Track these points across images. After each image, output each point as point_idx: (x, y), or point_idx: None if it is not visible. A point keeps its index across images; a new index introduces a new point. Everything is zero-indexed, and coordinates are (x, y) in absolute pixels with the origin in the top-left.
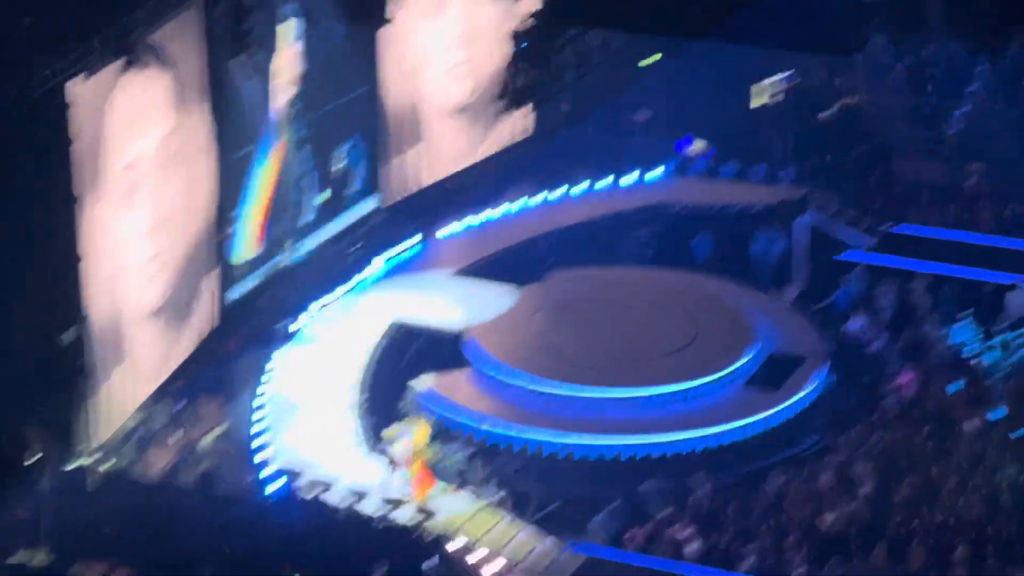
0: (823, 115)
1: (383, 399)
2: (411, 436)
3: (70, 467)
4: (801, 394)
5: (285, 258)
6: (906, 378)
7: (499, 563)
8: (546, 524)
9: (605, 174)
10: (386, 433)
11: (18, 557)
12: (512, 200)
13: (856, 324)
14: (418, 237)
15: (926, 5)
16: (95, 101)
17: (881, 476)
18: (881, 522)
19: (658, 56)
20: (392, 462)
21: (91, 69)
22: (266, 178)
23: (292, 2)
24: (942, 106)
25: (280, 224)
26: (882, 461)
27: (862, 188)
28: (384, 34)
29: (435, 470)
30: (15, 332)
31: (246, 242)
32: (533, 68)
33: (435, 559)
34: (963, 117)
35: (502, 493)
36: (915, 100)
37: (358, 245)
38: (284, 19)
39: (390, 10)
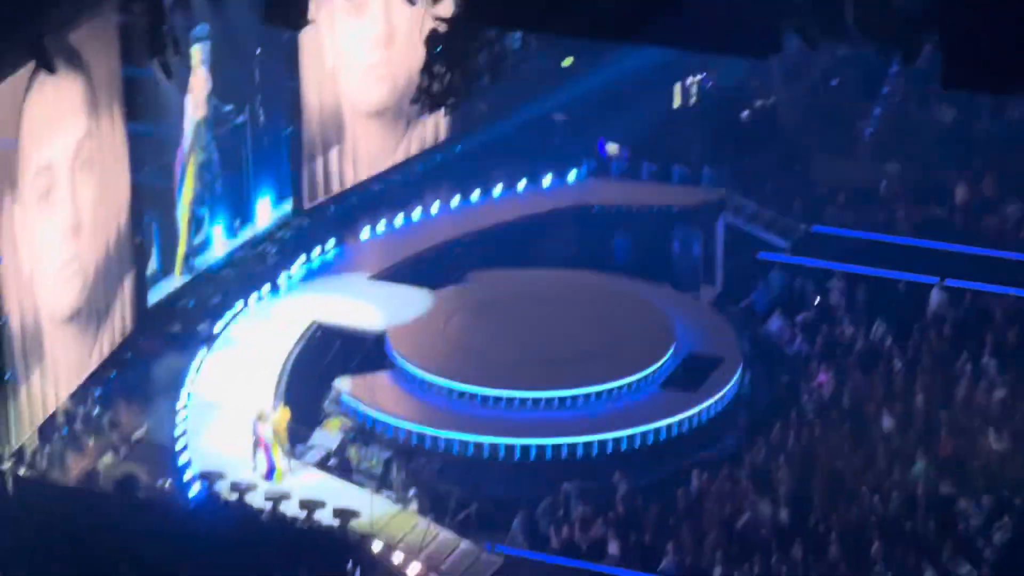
0: (741, 116)
1: (304, 401)
2: (273, 418)
3: None
4: (719, 395)
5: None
6: (823, 377)
7: (419, 565)
8: (466, 525)
9: (523, 175)
10: (259, 411)
11: None
12: (431, 202)
13: (774, 324)
14: (337, 239)
15: (840, 7)
16: (9, 103)
17: (799, 475)
18: (799, 521)
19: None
20: (257, 441)
21: (4, 71)
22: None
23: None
24: (857, 107)
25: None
26: (800, 460)
27: (779, 189)
28: (305, 35)
29: (355, 471)
30: None
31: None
32: (451, 70)
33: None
34: (878, 118)
35: (422, 494)
36: (830, 101)
37: (277, 247)
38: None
39: (312, 11)
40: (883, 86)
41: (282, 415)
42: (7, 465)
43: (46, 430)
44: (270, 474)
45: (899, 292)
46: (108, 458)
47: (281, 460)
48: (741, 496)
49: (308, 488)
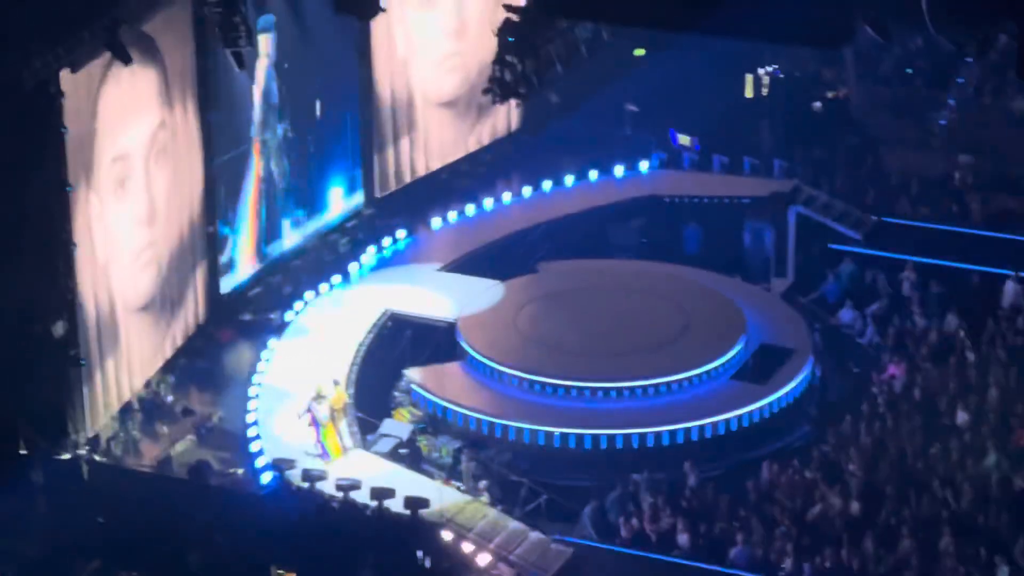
0: (813, 107)
1: (374, 390)
2: (331, 398)
3: (63, 457)
4: (790, 386)
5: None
6: (895, 370)
7: (489, 554)
8: (535, 515)
9: (595, 166)
10: (317, 390)
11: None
12: (502, 192)
13: (846, 316)
14: (408, 229)
15: None
16: (86, 92)
17: (870, 468)
18: (870, 513)
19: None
20: (315, 420)
21: (81, 61)
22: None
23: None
24: (931, 98)
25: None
26: (871, 453)
27: (851, 180)
28: (377, 25)
29: (423, 458)
30: (7, 321)
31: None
32: (523, 60)
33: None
34: (952, 109)
35: (491, 484)
36: (904, 92)
37: (348, 237)
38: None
39: (385, 0)
40: (957, 76)
41: (339, 395)
42: (82, 451)
43: (120, 417)
44: (325, 454)
45: (972, 284)
46: (181, 445)
47: (333, 440)
48: (811, 488)
49: (378, 477)
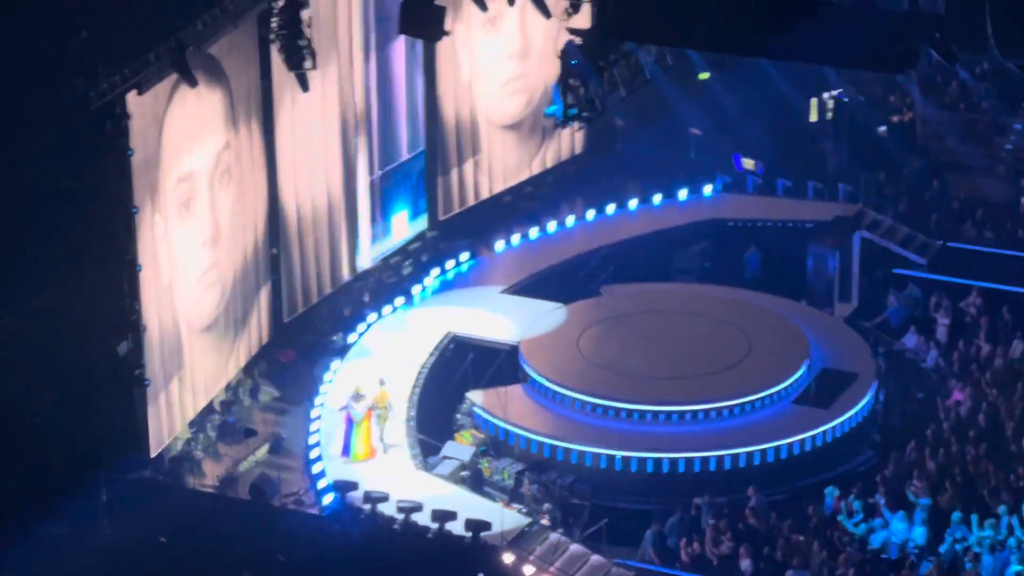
0: (878, 131)
1: (436, 412)
2: (374, 396)
3: (127, 475)
4: (852, 411)
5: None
6: (961, 395)
7: None
8: (596, 539)
9: (658, 189)
10: (355, 389)
11: None
12: (566, 215)
13: (910, 340)
14: (472, 252)
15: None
16: (152, 114)
17: (934, 493)
18: (935, 539)
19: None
20: (347, 417)
21: (147, 83)
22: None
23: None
24: (997, 123)
25: None
26: (936, 478)
27: (916, 204)
28: (442, 47)
29: (484, 481)
30: (74, 341)
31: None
32: (586, 83)
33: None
34: (1018, 133)
35: (552, 507)
36: (970, 117)
37: (411, 259)
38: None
39: (448, 23)
40: (1022, 101)
41: (382, 394)
42: (147, 471)
43: (184, 436)
44: (345, 451)
45: None
46: (243, 465)
47: (365, 441)
48: (875, 513)
49: (440, 499)
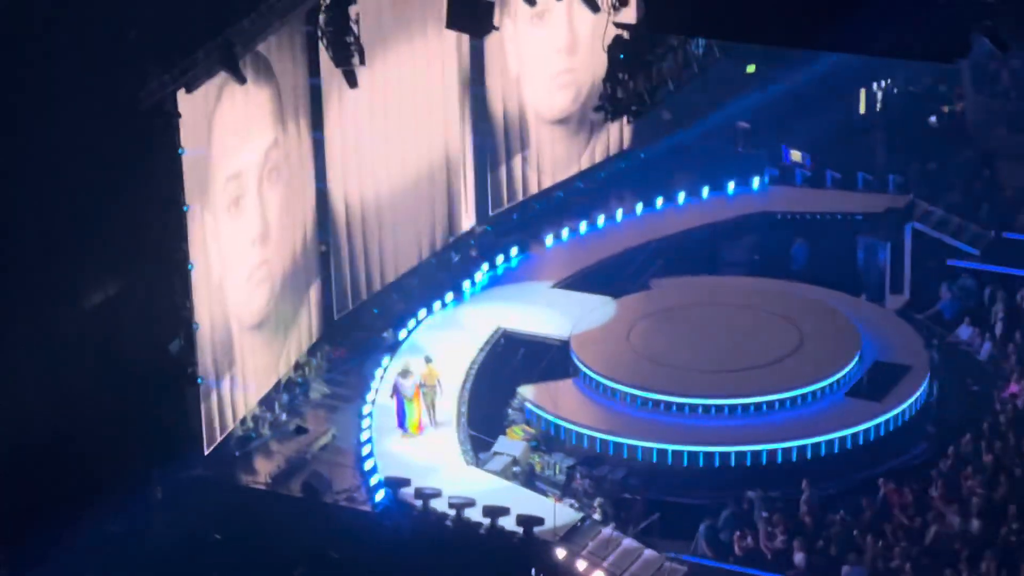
0: (929, 121)
1: (487, 408)
2: (421, 373)
3: (180, 473)
4: (906, 404)
5: None
6: (1017, 387)
7: (602, 573)
8: (649, 533)
9: (707, 183)
10: (403, 365)
11: None
12: (615, 209)
13: (964, 332)
14: (521, 247)
15: None
16: (201, 112)
17: (991, 487)
18: (991, 533)
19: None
20: (397, 392)
21: (196, 81)
22: None
23: None
24: None
25: None
26: (992, 472)
27: (967, 195)
28: (490, 42)
29: (536, 476)
30: (127, 340)
31: None
32: (634, 77)
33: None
34: None
35: (605, 502)
36: (1021, 105)
37: (461, 255)
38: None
39: (496, 18)
40: None
41: (430, 371)
42: (200, 469)
43: (236, 433)
44: (401, 423)
45: None
46: (295, 462)
47: (416, 416)
48: (930, 507)
49: (492, 495)
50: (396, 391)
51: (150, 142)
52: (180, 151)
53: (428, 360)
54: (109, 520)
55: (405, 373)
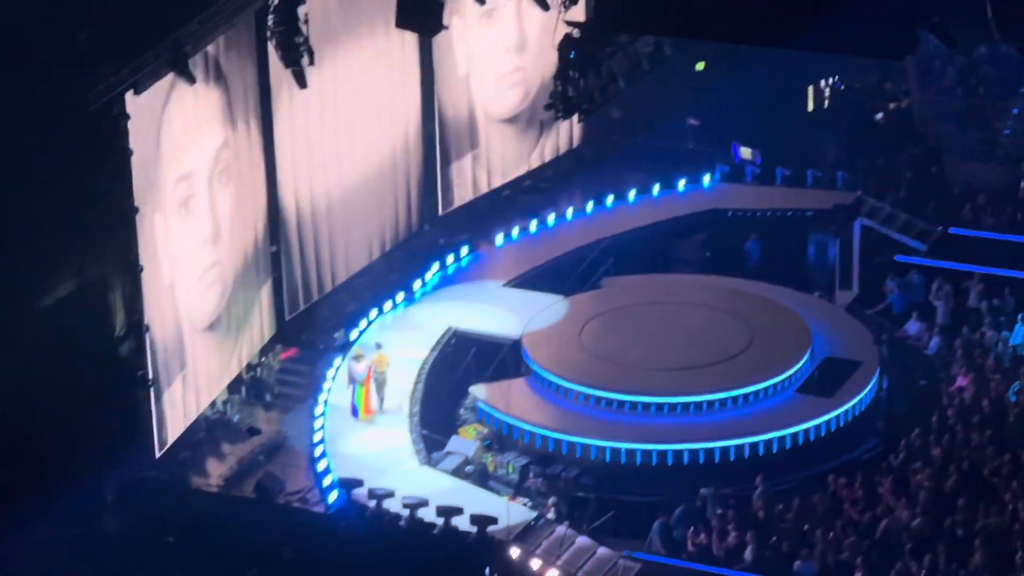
0: (876, 118)
1: (440, 408)
2: (372, 359)
3: (132, 475)
4: (856, 399)
5: None
6: (964, 381)
7: (557, 571)
8: (603, 531)
9: (657, 181)
10: (355, 351)
11: None
12: (565, 208)
13: (912, 327)
14: (471, 246)
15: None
16: (150, 114)
17: (940, 480)
18: (940, 527)
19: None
20: (351, 377)
21: (145, 82)
22: None
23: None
24: (995, 107)
25: None
26: (940, 465)
27: (915, 191)
28: (439, 42)
29: (489, 476)
30: (77, 342)
31: None
32: (584, 75)
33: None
34: (1016, 118)
35: (559, 501)
36: (967, 102)
37: (411, 255)
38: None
39: (446, 17)
40: (1021, 85)
41: (380, 357)
42: (151, 471)
43: (188, 436)
44: (354, 411)
45: None
46: (247, 464)
47: (365, 399)
48: (880, 501)
49: (445, 495)
50: (349, 375)
51: (99, 144)
52: (129, 152)
53: (379, 346)
54: (60, 522)
55: (358, 357)
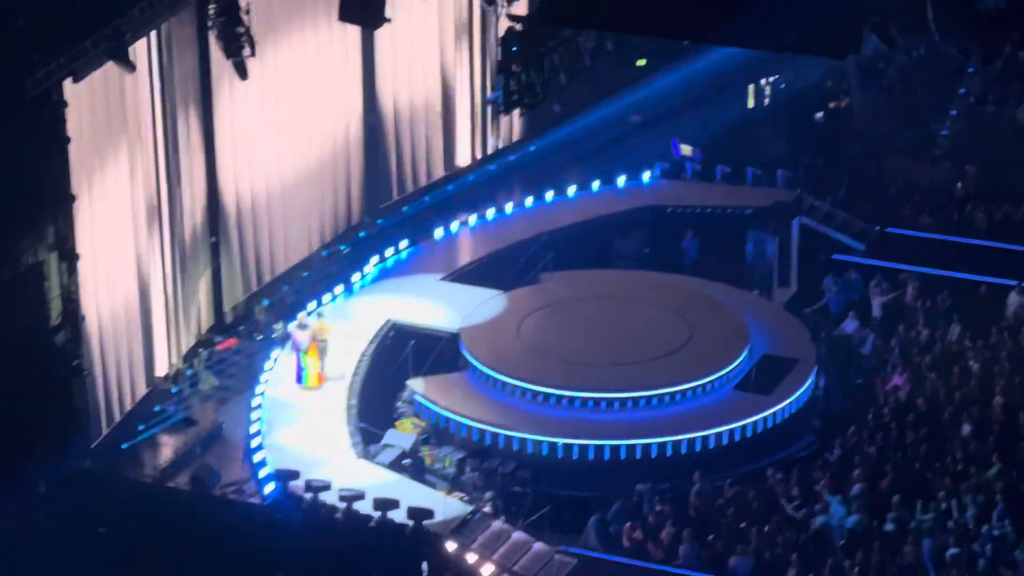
0: (815, 117)
1: (377, 400)
2: (313, 327)
3: (66, 466)
4: (793, 397)
5: None
6: (900, 379)
7: (493, 565)
8: (539, 526)
9: (597, 176)
10: (298, 319)
11: None
12: (504, 202)
13: (849, 326)
14: (411, 239)
15: (921, 6)
16: (88, 101)
17: (874, 477)
18: (875, 523)
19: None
20: (294, 345)
21: (84, 70)
22: None
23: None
24: (934, 108)
25: None
26: (875, 462)
27: (854, 190)
28: (380, 34)
29: (426, 469)
30: (10, 330)
31: None
32: (526, 69)
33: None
34: (954, 119)
35: (495, 495)
36: (907, 101)
37: (351, 247)
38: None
39: (388, 9)
40: (959, 86)
41: (321, 326)
42: (85, 462)
43: (123, 427)
44: (299, 378)
45: (977, 295)
46: (183, 455)
47: (313, 369)
48: (815, 498)
49: (382, 488)
50: (293, 343)
51: (37, 131)
52: (67, 140)
53: (320, 315)
54: None
55: (302, 326)
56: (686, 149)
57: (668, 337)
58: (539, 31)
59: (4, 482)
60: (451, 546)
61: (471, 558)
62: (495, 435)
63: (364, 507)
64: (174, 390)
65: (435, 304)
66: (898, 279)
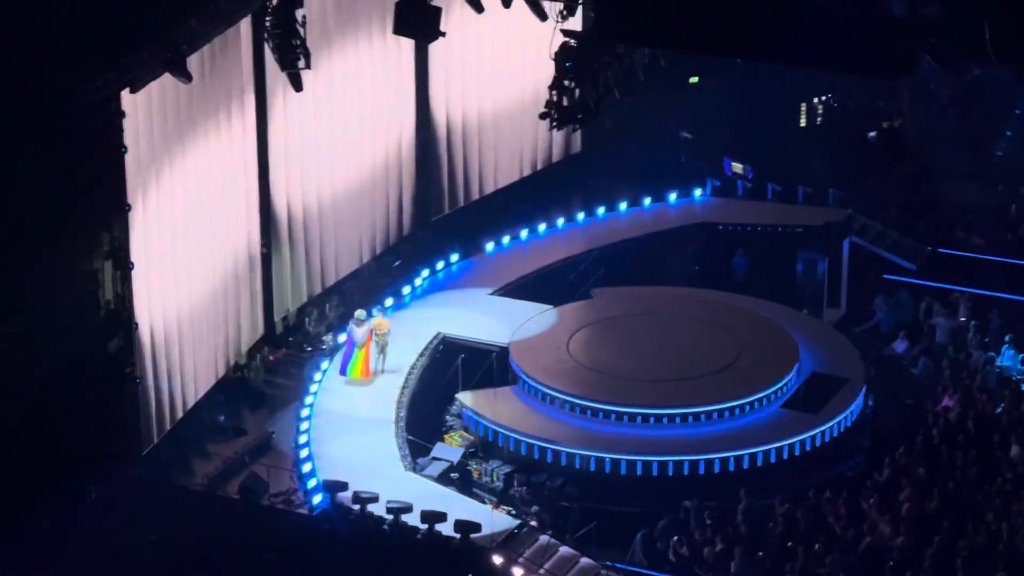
0: (868, 136)
1: (426, 413)
2: (373, 322)
3: (117, 473)
4: (841, 416)
5: None
6: (949, 401)
7: None
8: (586, 541)
9: (649, 192)
10: (357, 313)
11: None
12: (556, 217)
13: (900, 346)
14: (461, 253)
15: (978, 27)
16: (145, 111)
17: (923, 499)
18: (922, 545)
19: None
20: (351, 340)
21: (141, 80)
22: None
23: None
24: (988, 129)
25: None
26: (924, 484)
27: (906, 210)
28: (435, 47)
29: (473, 483)
30: (64, 338)
31: None
32: (580, 85)
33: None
34: (1009, 140)
35: (542, 509)
36: (961, 122)
37: (401, 260)
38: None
39: (443, 23)
40: (1015, 107)
41: (380, 321)
42: (137, 469)
43: (174, 435)
44: (343, 369)
45: None
46: (232, 464)
47: (362, 363)
48: (863, 518)
49: (429, 500)
50: (349, 337)
51: (94, 140)
52: (123, 150)
53: (381, 311)
54: (43, 521)
55: (359, 321)
56: (737, 167)
57: (717, 354)
58: (594, 47)
59: (56, 489)
60: (497, 560)
61: (517, 572)
62: (543, 449)
63: (411, 519)
64: (224, 399)
65: (485, 318)
66: (949, 300)
